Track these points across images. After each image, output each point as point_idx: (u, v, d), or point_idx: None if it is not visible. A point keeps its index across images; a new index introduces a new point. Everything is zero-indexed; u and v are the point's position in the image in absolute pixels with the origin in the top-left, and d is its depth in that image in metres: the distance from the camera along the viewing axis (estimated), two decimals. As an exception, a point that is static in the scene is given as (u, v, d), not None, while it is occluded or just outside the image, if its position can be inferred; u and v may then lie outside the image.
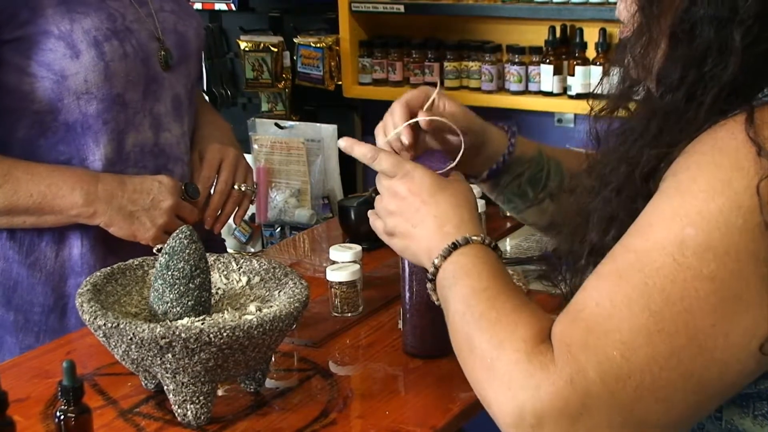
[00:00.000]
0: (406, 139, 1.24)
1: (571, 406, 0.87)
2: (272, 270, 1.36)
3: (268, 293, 1.34)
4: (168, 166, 1.69)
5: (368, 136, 3.53)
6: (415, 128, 1.25)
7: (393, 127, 1.26)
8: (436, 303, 1.10)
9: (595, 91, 1.11)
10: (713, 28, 0.92)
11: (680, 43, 0.95)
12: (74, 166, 1.61)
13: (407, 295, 1.39)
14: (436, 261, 1.07)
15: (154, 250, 1.37)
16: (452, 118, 1.27)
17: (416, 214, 1.13)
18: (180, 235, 1.26)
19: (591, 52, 2.79)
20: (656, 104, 0.98)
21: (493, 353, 0.93)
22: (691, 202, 0.88)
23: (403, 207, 1.14)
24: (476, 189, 1.39)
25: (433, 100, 1.28)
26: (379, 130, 1.28)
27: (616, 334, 0.87)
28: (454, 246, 1.07)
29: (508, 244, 1.88)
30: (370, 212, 1.23)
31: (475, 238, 1.07)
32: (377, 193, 1.22)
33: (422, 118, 1.25)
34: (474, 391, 0.97)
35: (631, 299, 0.88)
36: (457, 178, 1.19)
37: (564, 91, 2.81)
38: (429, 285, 1.09)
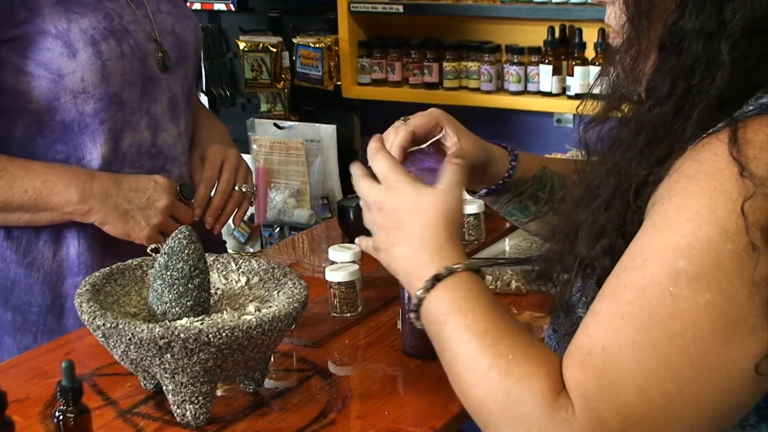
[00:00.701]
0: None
1: None
2: (271, 270, 1.36)
3: (267, 293, 1.34)
4: (165, 167, 1.69)
5: (368, 137, 3.51)
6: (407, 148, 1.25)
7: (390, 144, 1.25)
8: (418, 327, 1.06)
9: (586, 98, 1.11)
10: (701, 42, 0.92)
11: (669, 55, 0.95)
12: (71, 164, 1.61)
13: (406, 295, 1.39)
14: (419, 293, 1.03)
15: (148, 250, 1.37)
16: (461, 152, 1.25)
17: (395, 232, 1.09)
18: (179, 236, 1.27)
19: (590, 53, 2.80)
20: (645, 117, 0.98)
21: (513, 408, 0.93)
22: (681, 233, 0.88)
23: (386, 223, 1.11)
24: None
25: (441, 134, 1.28)
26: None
27: (628, 378, 0.88)
28: (437, 278, 1.03)
29: (507, 244, 1.88)
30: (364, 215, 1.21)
31: (457, 266, 1.03)
32: None
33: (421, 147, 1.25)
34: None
35: (636, 340, 0.88)
36: (440, 189, 1.12)
37: (563, 92, 2.82)
38: (412, 315, 1.05)
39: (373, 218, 1.13)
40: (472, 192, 1.38)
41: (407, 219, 1.09)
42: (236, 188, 1.76)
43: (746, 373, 0.87)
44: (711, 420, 0.89)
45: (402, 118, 1.28)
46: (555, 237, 1.11)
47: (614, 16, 1.02)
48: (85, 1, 1.60)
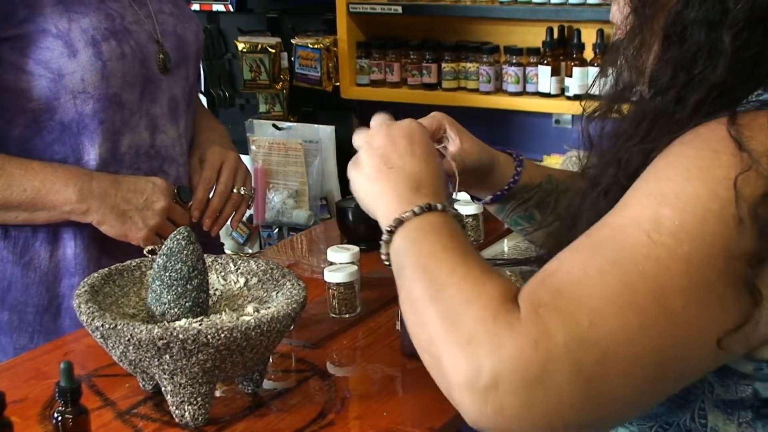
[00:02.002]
0: None
1: (532, 369, 0.83)
2: (270, 271, 1.36)
3: (265, 294, 1.35)
4: (163, 168, 1.69)
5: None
6: None
7: None
8: (382, 258, 1.02)
9: (589, 92, 1.11)
10: (704, 31, 0.93)
11: (672, 45, 0.96)
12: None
13: (405, 296, 1.39)
14: (405, 215, 0.99)
15: (145, 251, 1.37)
16: (463, 153, 1.26)
17: (398, 158, 1.07)
18: (178, 236, 1.27)
19: (588, 53, 2.80)
20: (647, 107, 0.98)
21: (458, 308, 0.88)
22: (667, 184, 0.88)
23: (388, 144, 1.09)
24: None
25: (443, 136, 1.28)
26: None
27: (587, 300, 0.85)
28: (429, 208, 1.00)
29: (506, 245, 1.88)
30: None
31: (452, 210, 1.01)
32: None
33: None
34: (419, 350, 0.92)
35: (604, 269, 0.86)
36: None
37: (561, 92, 2.82)
38: (385, 237, 1.01)
39: (371, 138, 1.11)
40: (477, 199, 1.38)
41: (419, 150, 1.08)
42: (234, 190, 1.76)
43: (705, 337, 0.86)
44: (657, 369, 0.86)
45: None
46: (557, 229, 1.10)
47: (618, 8, 1.03)
48: (87, 0, 1.60)
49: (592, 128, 1.08)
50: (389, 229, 1.00)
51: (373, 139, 1.10)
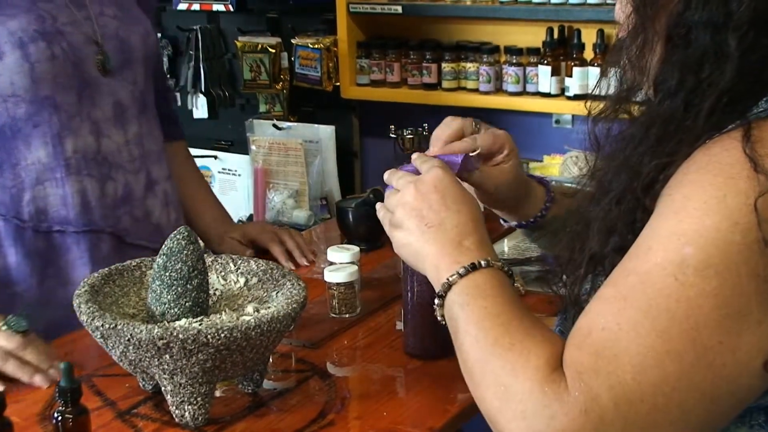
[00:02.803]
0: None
1: None
2: (270, 271, 1.36)
3: (265, 294, 1.35)
4: (111, 175, 1.66)
5: (366, 137, 3.50)
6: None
7: (437, 142, 1.25)
8: (439, 319, 1.05)
9: (592, 93, 1.11)
10: (709, 34, 0.92)
11: (677, 47, 0.95)
12: (5, 174, 1.57)
13: (408, 295, 1.39)
14: (452, 278, 1.02)
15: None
16: (503, 171, 1.27)
17: (435, 215, 1.08)
18: (178, 236, 1.27)
19: (589, 53, 2.79)
20: (655, 111, 0.97)
21: (507, 381, 0.92)
22: (687, 220, 0.88)
23: (421, 203, 1.09)
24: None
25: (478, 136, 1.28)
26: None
27: (625, 357, 0.87)
28: (473, 267, 1.02)
29: (506, 245, 1.88)
30: (378, 205, 1.18)
31: (496, 263, 1.04)
32: (374, 194, 1.21)
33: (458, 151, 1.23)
34: (485, 416, 0.96)
35: (636, 321, 0.87)
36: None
37: (562, 92, 2.81)
38: (437, 301, 1.04)
39: (402, 197, 1.12)
40: (504, 221, 1.37)
41: (453, 206, 1.09)
42: (287, 239, 1.88)
43: (751, 365, 0.86)
44: (708, 409, 0.87)
45: (474, 120, 1.28)
46: (566, 234, 1.10)
47: (621, 7, 1.02)
48: (18, 2, 1.57)
49: (599, 130, 1.07)
50: (440, 293, 1.03)
51: (404, 199, 1.11)
